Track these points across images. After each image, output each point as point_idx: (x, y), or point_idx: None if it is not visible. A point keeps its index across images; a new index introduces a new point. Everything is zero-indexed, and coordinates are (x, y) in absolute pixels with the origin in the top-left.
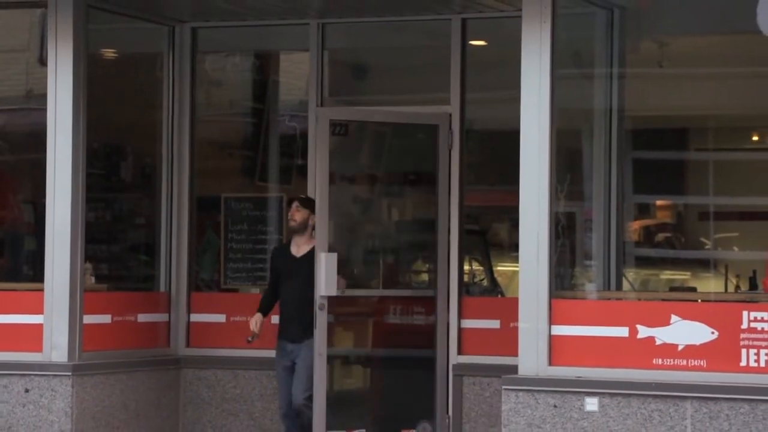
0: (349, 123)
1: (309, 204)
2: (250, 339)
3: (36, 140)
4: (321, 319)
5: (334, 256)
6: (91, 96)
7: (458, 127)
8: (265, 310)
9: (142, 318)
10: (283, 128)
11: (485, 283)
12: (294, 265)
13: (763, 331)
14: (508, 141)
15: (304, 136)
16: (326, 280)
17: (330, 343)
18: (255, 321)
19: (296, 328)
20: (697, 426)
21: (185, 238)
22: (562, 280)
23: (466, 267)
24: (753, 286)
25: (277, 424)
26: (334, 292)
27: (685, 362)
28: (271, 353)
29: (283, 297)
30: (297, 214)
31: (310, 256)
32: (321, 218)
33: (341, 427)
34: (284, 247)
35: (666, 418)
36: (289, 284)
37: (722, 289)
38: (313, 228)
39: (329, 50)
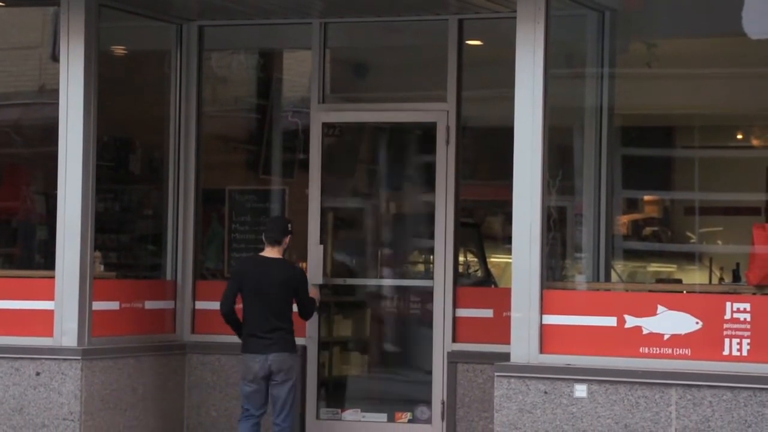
0: (342, 124)
1: None
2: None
3: (48, 134)
4: None
5: (321, 248)
6: (102, 91)
7: (455, 123)
8: None
9: (149, 305)
10: (285, 124)
11: (479, 273)
12: None
13: (745, 321)
14: (503, 137)
15: (306, 131)
16: (314, 270)
17: (330, 329)
18: None
19: None
20: (681, 412)
21: (191, 228)
22: (553, 271)
23: (461, 258)
24: (736, 278)
25: None
26: (320, 281)
27: (670, 351)
28: None
29: None
30: None
31: None
32: (313, 213)
33: (336, 406)
34: None
35: (652, 404)
36: None
37: (707, 281)
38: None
39: (331, 49)
